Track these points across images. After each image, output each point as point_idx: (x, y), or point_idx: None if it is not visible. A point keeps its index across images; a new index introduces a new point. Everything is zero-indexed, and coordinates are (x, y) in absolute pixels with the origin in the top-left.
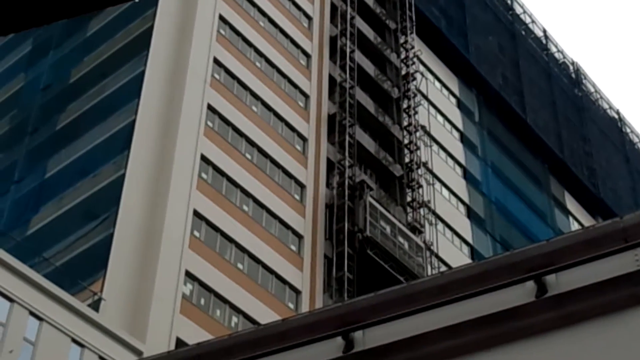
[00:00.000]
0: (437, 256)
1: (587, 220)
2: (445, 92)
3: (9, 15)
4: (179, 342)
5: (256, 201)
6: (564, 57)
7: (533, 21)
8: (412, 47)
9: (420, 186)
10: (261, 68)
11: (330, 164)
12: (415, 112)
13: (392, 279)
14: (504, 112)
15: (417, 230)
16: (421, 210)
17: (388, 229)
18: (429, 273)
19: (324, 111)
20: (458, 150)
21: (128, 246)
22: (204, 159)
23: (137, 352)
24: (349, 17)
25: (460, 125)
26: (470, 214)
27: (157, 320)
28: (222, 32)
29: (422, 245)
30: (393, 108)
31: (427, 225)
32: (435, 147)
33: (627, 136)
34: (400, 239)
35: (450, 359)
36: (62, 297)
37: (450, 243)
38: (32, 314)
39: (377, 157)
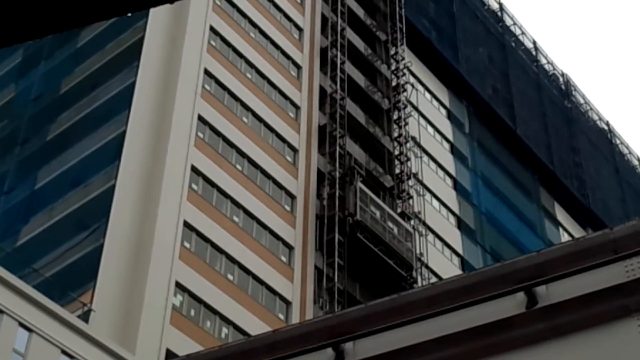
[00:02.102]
0: (427, 267)
1: (577, 231)
2: (435, 103)
3: (3, 28)
4: (169, 354)
5: (246, 212)
6: (554, 69)
7: (523, 33)
8: (403, 59)
9: (411, 197)
10: (252, 79)
11: (320, 175)
12: (406, 123)
13: (382, 269)
14: (494, 123)
15: (406, 216)
16: (411, 221)
17: (378, 214)
18: (420, 284)
19: (315, 122)
20: (448, 161)
21: (118, 257)
22: (194, 169)
23: None
24: (339, 28)
25: (450, 137)
26: (461, 225)
27: (147, 331)
28: (213, 43)
29: (412, 230)
30: (383, 119)
31: (417, 236)
32: (425, 158)
33: (616, 147)
34: (390, 224)
35: None
36: (51, 309)
37: (441, 254)
38: (21, 325)
39: (367, 168)
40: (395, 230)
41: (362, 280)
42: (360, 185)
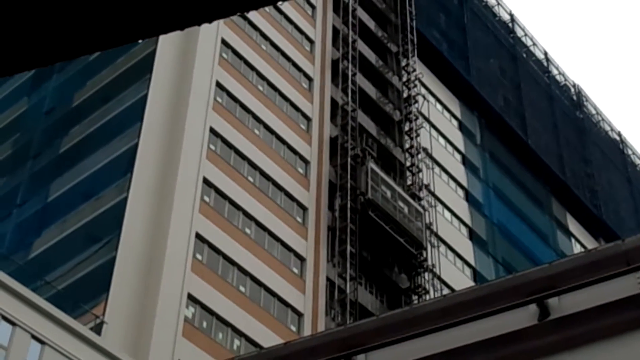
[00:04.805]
0: (439, 278)
1: (590, 242)
2: (446, 114)
3: (11, 56)
4: None
5: (258, 224)
6: (565, 80)
7: (534, 44)
8: (414, 70)
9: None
10: (263, 91)
11: (332, 187)
12: (417, 135)
13: (393, 249)
14: (506, 135)
15: (416, 197)
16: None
17: (389, 193)
18: (432, 296)
19: (326, 134)
20: (460, 172)
21: (130, 269)
22: (206, 182)
23: None
24: (350, 40)
25: (462, 148)
26: (473, 236)
27: (159, 343)
28: (225, 55)
29: (421, 210)
30: (395, 131)
31: (429, 247)
32: (437, 169)
33: (628, 158)
34: (401, 204)
35: None
36: (64, 321)
37: (453, 265)
38: (34, 337)
39: None
40: (406, 209)
41: (375, 280)
42: (371, 165)
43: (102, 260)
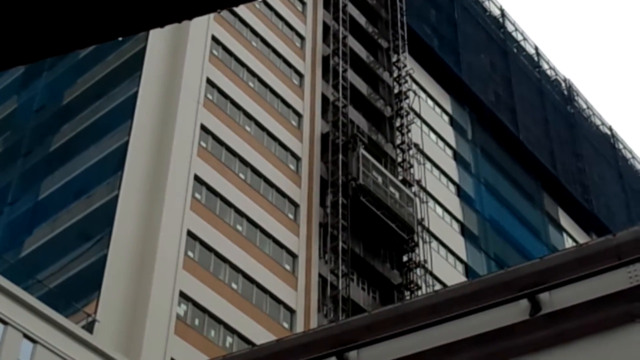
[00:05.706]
0: (431, 274)
1: (581, 237)
2: (437, 110)
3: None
4: None
5: (250, 221)
6: (556, 74)
7: (525, 39)
8: (405, 66)
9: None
10: (254, 88)
11: (323, 183)
12: (408, 131)
13: (384, 235)
14: (497, 130)
15: (407, 183)
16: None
17: (380, 179)
18: (424, 291)
19: (317, 130)
20: (451, 168)
21: (122, 267)
22: (197, 179)
23: None
24: (341, 36)
25: (453, 143)
26: (464, 231)
27: (151, 341)
28: (215, 52)
29: (412, 196)
30: (386, 126)
31: (421, 243)
32: (428, 165)
33: (619, 152)
34: (392, 189)
35: None
36: (56, 319)
37: (445, 261)
38: (26, 336)
39: None
40: (397, 195)
41: (367, 276)
42: (362, 151)
43: (94, 258)
